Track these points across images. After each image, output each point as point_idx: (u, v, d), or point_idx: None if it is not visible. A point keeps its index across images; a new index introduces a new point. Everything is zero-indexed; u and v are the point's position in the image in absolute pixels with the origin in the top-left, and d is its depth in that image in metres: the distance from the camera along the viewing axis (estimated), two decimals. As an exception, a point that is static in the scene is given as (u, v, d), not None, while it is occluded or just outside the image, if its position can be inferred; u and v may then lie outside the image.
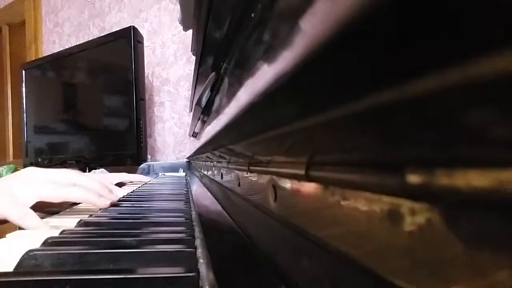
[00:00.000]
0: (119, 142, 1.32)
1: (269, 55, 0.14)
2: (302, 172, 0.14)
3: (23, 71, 1.67)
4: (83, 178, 0.47)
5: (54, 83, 1.62)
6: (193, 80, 0.62)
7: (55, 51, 1.73)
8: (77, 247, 0.24)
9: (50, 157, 1.57)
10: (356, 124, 0.11)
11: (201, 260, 0.23)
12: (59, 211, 0.48)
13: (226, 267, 0.22)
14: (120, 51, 1.30)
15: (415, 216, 0.08)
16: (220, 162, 0.43)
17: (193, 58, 0.67)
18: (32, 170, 0.45)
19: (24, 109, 1.68)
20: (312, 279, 0.15)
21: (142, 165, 1.27)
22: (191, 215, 0.39)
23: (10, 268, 0.22)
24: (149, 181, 0.92)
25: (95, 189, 0.45)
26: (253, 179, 0.25)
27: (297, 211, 0.17)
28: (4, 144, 2.25)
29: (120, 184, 0.85)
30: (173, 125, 1.45)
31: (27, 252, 0.22)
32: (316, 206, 0.14)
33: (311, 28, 0.09)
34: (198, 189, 0.69)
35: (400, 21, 0.07)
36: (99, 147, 1.41)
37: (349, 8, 0.07)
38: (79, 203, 0.51)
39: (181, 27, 0.87)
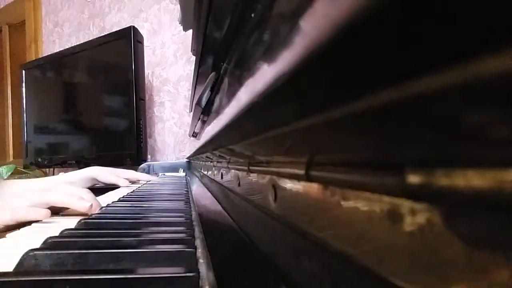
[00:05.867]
0: (119, 142, 1.32)
1: (269, 55, 0.14)
2: (302, 172, 0.14)
3: (23, 71, 1.67)
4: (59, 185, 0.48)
5: (54, 83, 1.62)
6: (193, 80, 0.62)
7: (55, 51, 1.73)
8: (77, 247, 0.24)
9: (50, 157, 1.57)
10: (356, 124, 0.11)
11: (201, 260, 0.23)
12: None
13: (226, 267, 0.22)
14: (120, 51, 1.30)
15: (415, 216, 0.08)
16: (220, 162, 0.43)
17: (193, 58, 0.67)
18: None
19: (24, 109, 1.68)
20: (312, 279, 0.15)
21: (142, 165, 1.27)
22: (191, 215, 0.39)
23: (10, 268, 0.22)
24: (149, 181, 0.92)
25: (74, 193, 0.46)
26: (253, 179, 0.25)
27: (297, 211, 0.17)
28: (4, 144, 2.25)
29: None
30: (173, 125, 1.45)
31: (27, 252, 0.22)
32: (316, 206, 0.14)
33: (311, 28, 0.09)
34: (198, 189, 0.69)
35: (398, 21, 0.07)
36: (99, 147, 1.41)
37: (348, 8, 0.07)
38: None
39: (181, 27, 0.87)
